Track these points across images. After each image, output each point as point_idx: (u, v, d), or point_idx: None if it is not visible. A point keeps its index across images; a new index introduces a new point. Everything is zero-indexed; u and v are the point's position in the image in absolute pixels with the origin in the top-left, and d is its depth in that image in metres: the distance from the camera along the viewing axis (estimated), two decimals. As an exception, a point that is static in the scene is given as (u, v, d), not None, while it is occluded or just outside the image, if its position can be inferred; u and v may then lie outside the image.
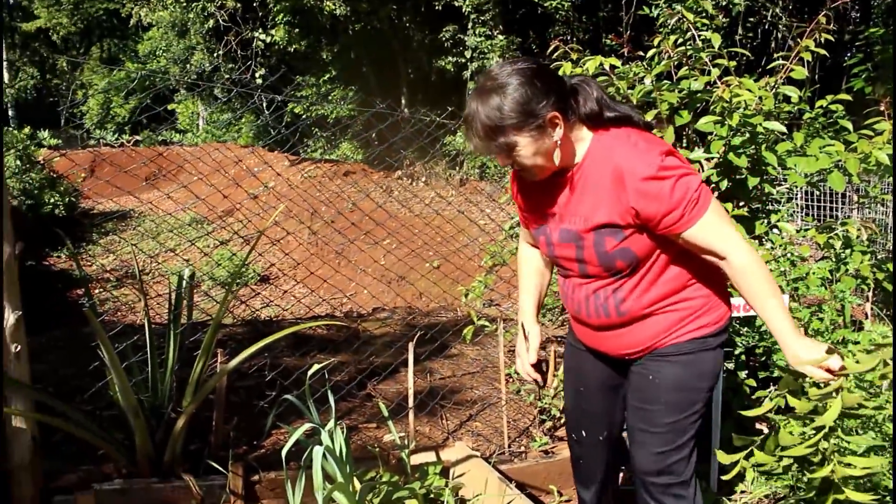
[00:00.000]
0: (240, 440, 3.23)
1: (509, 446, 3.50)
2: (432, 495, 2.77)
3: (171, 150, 12.94)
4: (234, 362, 2.79)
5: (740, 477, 3.06)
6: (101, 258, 8.29)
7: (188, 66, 19.35)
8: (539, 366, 2.47)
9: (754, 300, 2.09)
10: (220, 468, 2.81)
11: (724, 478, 2.46)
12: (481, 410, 3.85)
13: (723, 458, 2.29)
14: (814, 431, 2.13)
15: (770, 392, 2.95)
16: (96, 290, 7.58)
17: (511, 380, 4.14)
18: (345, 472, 2.54)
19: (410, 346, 3.11)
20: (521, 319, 2.53)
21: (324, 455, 2.60)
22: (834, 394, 2.06)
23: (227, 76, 15.42)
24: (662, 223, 2.04)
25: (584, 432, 2.65)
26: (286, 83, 12.84)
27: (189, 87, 20.52)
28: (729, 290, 2.29)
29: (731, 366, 3.25)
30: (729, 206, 3.28)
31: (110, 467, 2.91)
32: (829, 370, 2.02)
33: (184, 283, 3.05)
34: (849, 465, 2.13)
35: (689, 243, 2.08)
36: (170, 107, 24.55)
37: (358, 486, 2.67)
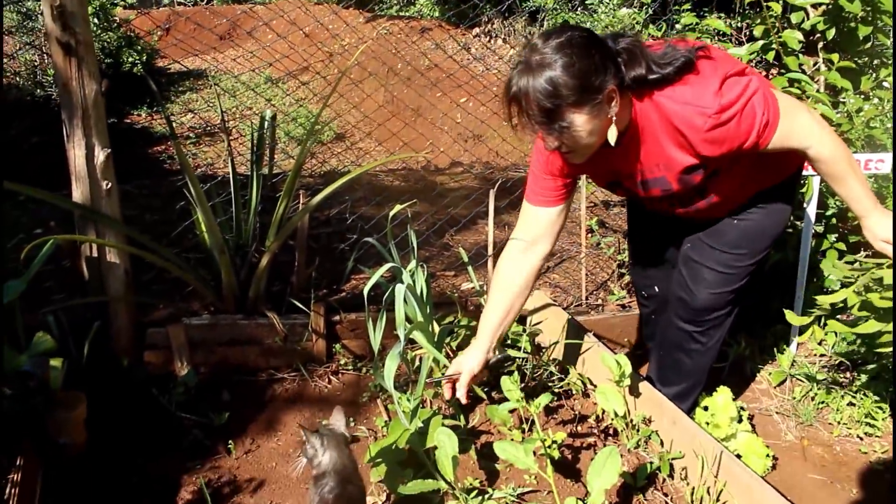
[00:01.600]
0: (320, 282, 3.34)
1: (587, 298, 3.54)
2: (509, 340, 2.84)
3: (248, 6, 12.85)
4: (316, 199, 2.85)
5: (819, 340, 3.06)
6: (179, 116, 8.44)
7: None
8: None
9: (833, 182, 2.11)
10: (303, 307, 2.93)
11: (798, 339, 2.50)
12: (560, 262, 3.88)
13: (792, 318, 2.36)
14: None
15: (860, 256, 2.88)
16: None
17: (592, 232, 4.14)
18: (425, 312, 2.61)
19: (491, 193, 3.11)
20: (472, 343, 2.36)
21: (404, 297, 2.68)
22: None
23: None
24: (739, 152, 2.02)
25: (656, 288, 2.70)
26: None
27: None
28: None
29: (820, 229, 3.17)
30: (835, 56, 3.12)
31: (197, 304, 3.06)
32: None
33: (265, 124, 3.09)
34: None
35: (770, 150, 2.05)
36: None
37: (437, 328, 2.75)
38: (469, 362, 2.28)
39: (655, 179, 2.18)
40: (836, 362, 2.99)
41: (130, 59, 8.20)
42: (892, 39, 3.10)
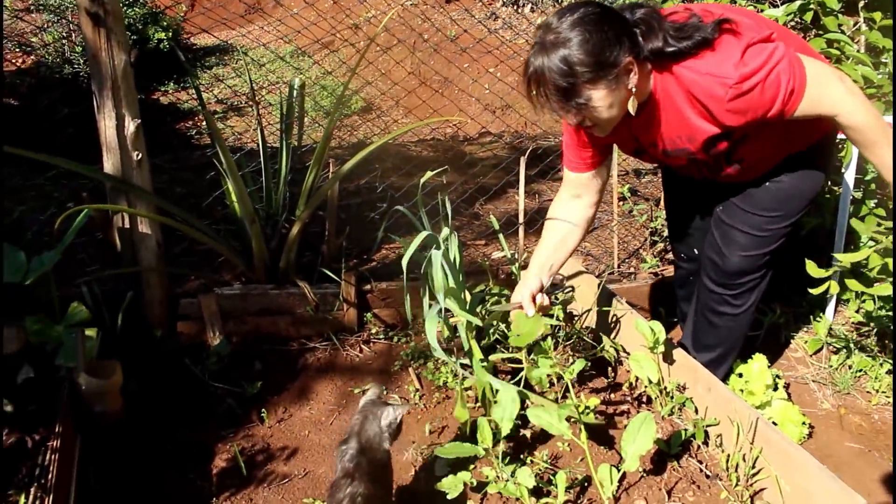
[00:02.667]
0: (351, 252, 3.37)
1: (619, 266, 3.53)
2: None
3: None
4: (345, 167, 2.86)
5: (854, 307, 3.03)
6: (207, 91, 8.47)
7: None
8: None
9: (864, 149, 2.07)
10: (334, 276, 2.95)
11: (812, 291, 2.50)
12: (592, 230, 3.87)
13: (813, 270, 2.36)
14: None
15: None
16: (203, 123, 7.82)
17: (624, 200, 4.12)
18: (458, 280, 2.62)
19: (522, 161, 3.11)
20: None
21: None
22: None
23: None
24: (763, 120, 2.00)
25: (695, 250, 2.69)
26: None
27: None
28: None
29: (858, 195, 3.12)
30: (877, 15, 3.05)
31: (229, 275, 3.10)
32: None
33: (294, 92, 3.10)
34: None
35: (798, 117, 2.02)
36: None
37: (468, 297, 2.76)
38: (527, 284, 2.38)
39: (678, 150, 2.18)
40: (875, 330, 2.96)
41: (157, 36, 8.23)
42: (892, 39, 3.03)
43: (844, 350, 2.94)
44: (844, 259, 2.39)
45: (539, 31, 1.95)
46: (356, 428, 1.85)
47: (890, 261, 2.28)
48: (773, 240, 2.37)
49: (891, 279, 2.32)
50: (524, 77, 1.97)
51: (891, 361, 2.82)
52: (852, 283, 2.45)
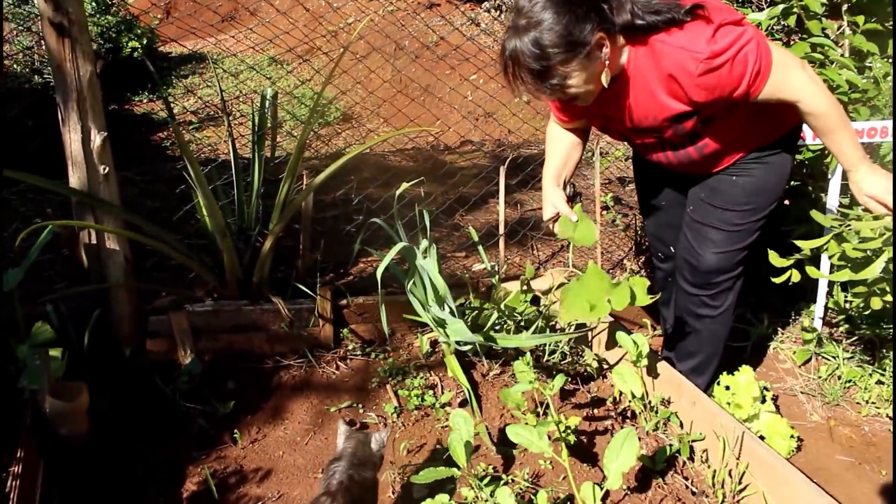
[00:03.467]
0: (326, 266, 3.34)
1: (603, 277, 3.52)
2: (523, 322, 2.83)
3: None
4: (319, 178, 2.84)
5: (847, 318, 3.03)
6: (181, 101, 8.43)
7: None
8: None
9: (822, 135, 2.17)
10: (309, 292, 2.92)
11: (774, 280, 2.52)
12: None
13: (775, 260, 2.41)
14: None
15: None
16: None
17: (607, 209, 4.11)
18: (437, 294, 2.62)
19: (502, 170, 3.10)
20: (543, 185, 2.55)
21: (414, 280, 2.67)
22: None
23: None
24: (729, 100, 2.08)
25: (671, 248, 2.72)
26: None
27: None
28: None
29: (846, 200, 3.13)
30: (860, 19, 3.07)
31: (200, 291, 3.07)
32: (884, 205, 2.14)
33: (266, 102, 3.09)
34: None
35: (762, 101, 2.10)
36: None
37: (454, 304, 2.74)
38: (556, 194, 2.46)
39: (645, 128, 2.25)
40: (863, 336, 2.96)
41: (130, 45, 8.18)
42: (892, 40, 3.04)
43: (833, 360, 2.94)
44: (804, 246, 2.44)
45: (511, 14, 2.03)
46: (347, 450, 1.86)
47: (847, 247, 2.35)
48: (747, 235, 2.41)
49: (847, 264, 2.38)
50: (500, 60, 2.05)
51: (881, 371, 2.82)
52: (812, 271, 2.51)
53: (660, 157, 2.41)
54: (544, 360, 2.74)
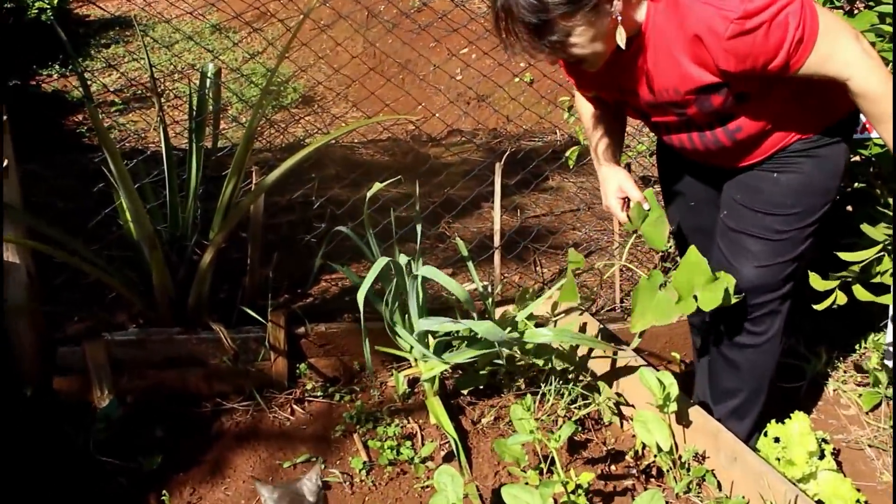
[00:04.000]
0: (281, 285, 3.33)
1: (622, 301, 3.52)
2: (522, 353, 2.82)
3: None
4: (272, 176, 2.82)
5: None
6: (101, 76, 8.40)
7: None
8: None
9: (877, 123, 2.15)
10: (258, 317, 2.91)
11: (816, 307, 2.53)
12: (586, 256, 3.87)
13: (816, 283, 2.40)
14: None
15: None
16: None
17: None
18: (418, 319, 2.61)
19: (497, 169, 3.10)
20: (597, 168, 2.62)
21: (386, 301, 2.66)
22: None
23: None
24: (765, 72, 2.07)
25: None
26: None
27: None
28: None
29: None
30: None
31: (123, 315, 3.05)
32: None
33: (208, 82, 3.08)
34: None
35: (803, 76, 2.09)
36: None
37: (432, 341, 2.74)
38: (619, 176, 2.53)
39: (665, 102, 2.25)
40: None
41: (37, 4, 8.14)
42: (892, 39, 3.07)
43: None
44: (851, 258, 2.43)
45: None
46: None
47: None
48: (793, 245, 2.41)
49: None
50: (491, 11, 2.06)
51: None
52: (859, 291, 2.49)
53: (683, 141, 2.41)
54: (548, 403, 2.73)
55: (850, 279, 2.48)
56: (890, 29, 3.01)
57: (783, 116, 2.26)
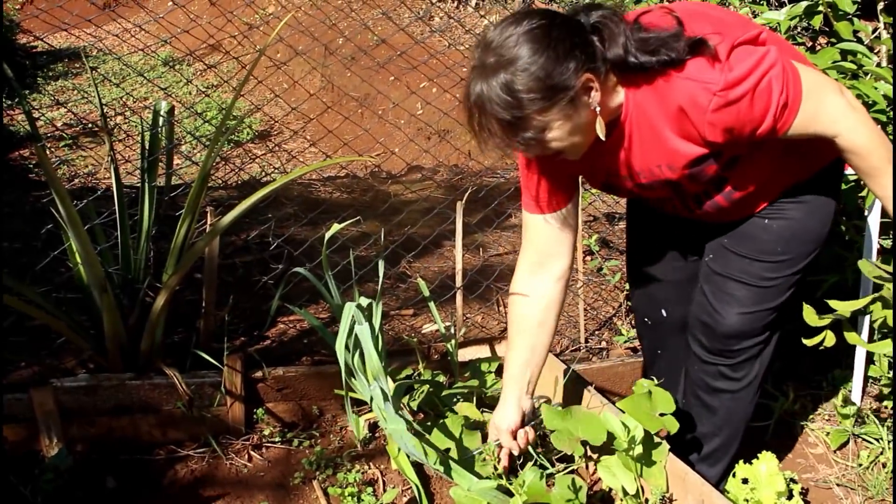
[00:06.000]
0: (237, 328, 3.32)
1: (587, 341, 3.55)
2: (487, 399, 2.83)
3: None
4: (228, 217, 2.83)
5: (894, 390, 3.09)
6: (49, 111, 8.36)
7: None
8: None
9: (867, 177, 2.17)
10: (213, 361, 2.90)
11: (806, 342, 2.56)
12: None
13: (810, 317, 2.42)
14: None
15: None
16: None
17: (592, 255, 4.15)
18: (377, 364, 2.61)
19: (459, 207, 3.12)
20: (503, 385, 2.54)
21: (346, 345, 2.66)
22: None
23: None
24: (752, 139, 2.07)
25: (663, 311, 2.73)
26: None
27: None
28: None
29: (887, 243, 3.21)
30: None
31: (72, 360, 3.03)
32: None
33: (160, 119, 3.08)
34: None
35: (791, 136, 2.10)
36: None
37: (391, 385, 2.73)
38: (505, 420, 2.44)
39: (657, 181, 2.24)
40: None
41: (-19, 36, 8.10)
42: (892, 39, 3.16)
43: (876, 443, 2.98)
44: (842, 308, 2.44)
45: (478, 49, 1.99)
46: None
47: (889, 314, 2.36)
48: (778, 292, 2.42)
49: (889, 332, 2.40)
50: (463, 107, 2.01)
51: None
52: (852, 337, 2.52)
53: (677, 209, 2.43)
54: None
55: (839, 320, 2.49)
56: (852, 66, 3.09)
57: (778, 168, 2.27)
